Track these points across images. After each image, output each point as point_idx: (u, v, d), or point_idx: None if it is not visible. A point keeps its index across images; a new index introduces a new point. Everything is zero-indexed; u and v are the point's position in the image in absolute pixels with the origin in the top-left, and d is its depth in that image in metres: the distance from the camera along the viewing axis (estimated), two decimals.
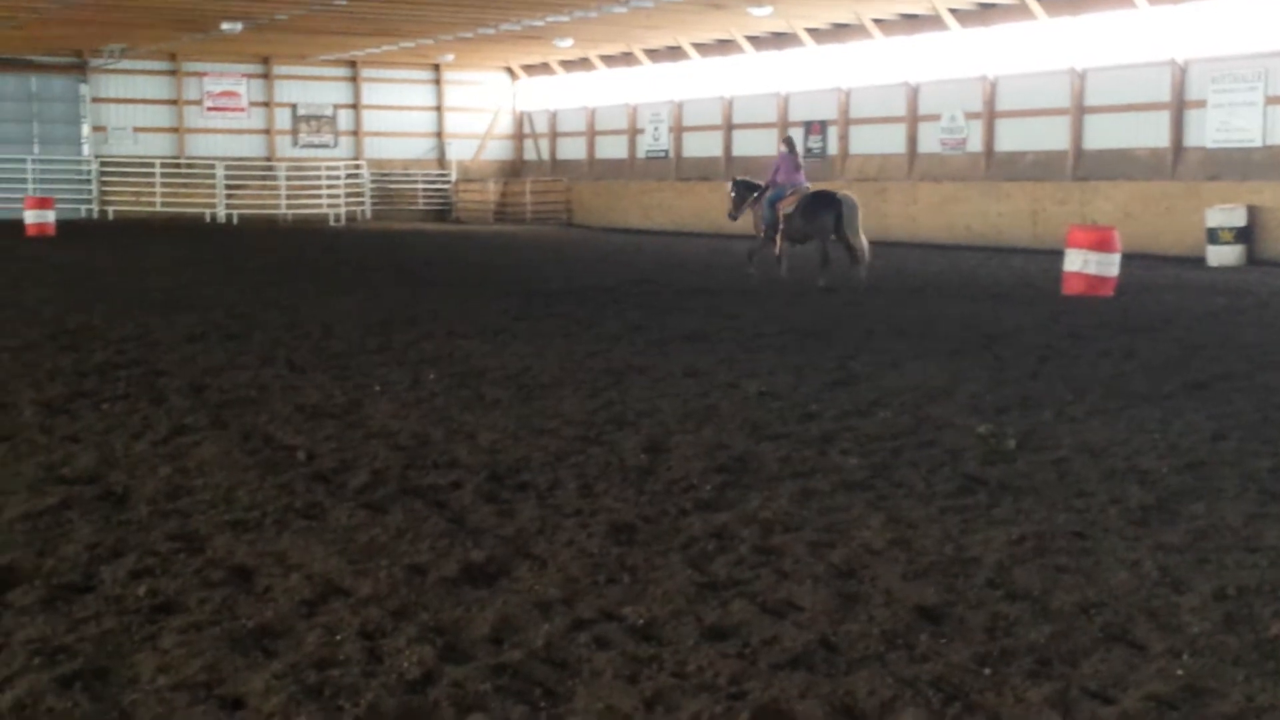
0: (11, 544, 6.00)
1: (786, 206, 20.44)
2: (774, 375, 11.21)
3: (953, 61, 32.95)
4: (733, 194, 22.13)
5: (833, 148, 36.43)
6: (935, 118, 33.54)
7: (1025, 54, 31.56)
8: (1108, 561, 5.90)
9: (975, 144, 32.56)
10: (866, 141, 35.65)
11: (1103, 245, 18.77)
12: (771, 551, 6.04)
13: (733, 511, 6.73)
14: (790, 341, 13.46)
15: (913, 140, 34.17)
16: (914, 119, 34.08)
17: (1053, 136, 30.82)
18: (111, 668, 4.59)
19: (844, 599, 5.36)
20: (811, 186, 21.21)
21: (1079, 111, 30.29)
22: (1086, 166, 30.09)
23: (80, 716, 4.19)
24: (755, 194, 21.59)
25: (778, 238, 20.67)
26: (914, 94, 34.00)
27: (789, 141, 21.71)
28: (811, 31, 35.66)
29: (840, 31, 35.39)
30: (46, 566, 5.68)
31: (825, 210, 19.97)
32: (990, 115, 32.20)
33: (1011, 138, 31.92)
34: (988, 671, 4.61)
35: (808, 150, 36.92)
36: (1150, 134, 28.98)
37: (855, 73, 35.86)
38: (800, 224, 20.22)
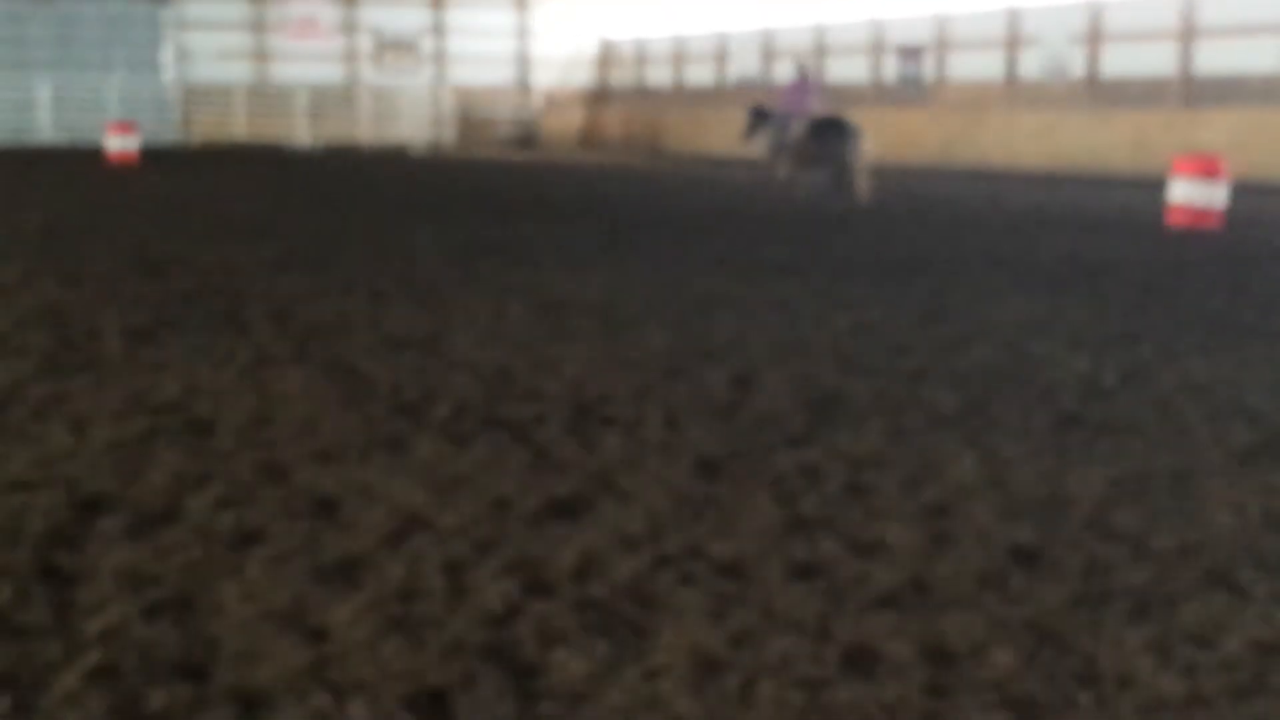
0: (98, 472, 6.04)
1: (795, 131, 21.07)
2: (865, 308, 11.08)
3: None
4: (749, 119, 22.90)
5: (929, 75, 35.90)
6: (1036, 43, 32.91)
7: None
8: (1210, 503, 5.75)
9: (1078, 70, 31.91)
10: (964, 68, 35.12)
11: (1210, 175, 18.35)
12: (861, 489, 5.94)
13: (822, 447, 6.63)
14: (882, 273, 13.30)
15: (1012, 67, 33.56)
16: (1014, 45, 33.47)
17: (1159, 62, 30.14)
18: (197, 597, 4.60)
19: (935, 538, 5.26)
20: (820, 112, 21.73)
21: (1188, 35, 29.53)
22: (1195, 93, 29.39)
23: (166, 645, 4.20)
24: (769, 121, 22.24)
25: (786, 160, 21.34)
26: (1015, 18, 33.36)
27: (802, 68, 22.24)
28: None
29: None
30: (132, 495, 5.71)
31: (833, 135, 20.53)
32: (1094, 40, 31.53)
33: (1116, 63, 31.25)
34: (1084, 614, 4.51)
35: (903, 78, 36.49)
36: (1263, 59, 28.21)
37: None
38: (809, 147, 20.85)
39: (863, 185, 20.71)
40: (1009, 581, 4.81)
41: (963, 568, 4.93)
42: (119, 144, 32.60)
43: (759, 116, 22.86)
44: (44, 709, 3.78)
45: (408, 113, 43.98)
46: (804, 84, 21.78)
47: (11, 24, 40.93)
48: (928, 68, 35.77)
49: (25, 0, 40.92)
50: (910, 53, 36.19)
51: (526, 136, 46.75)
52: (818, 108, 21.87)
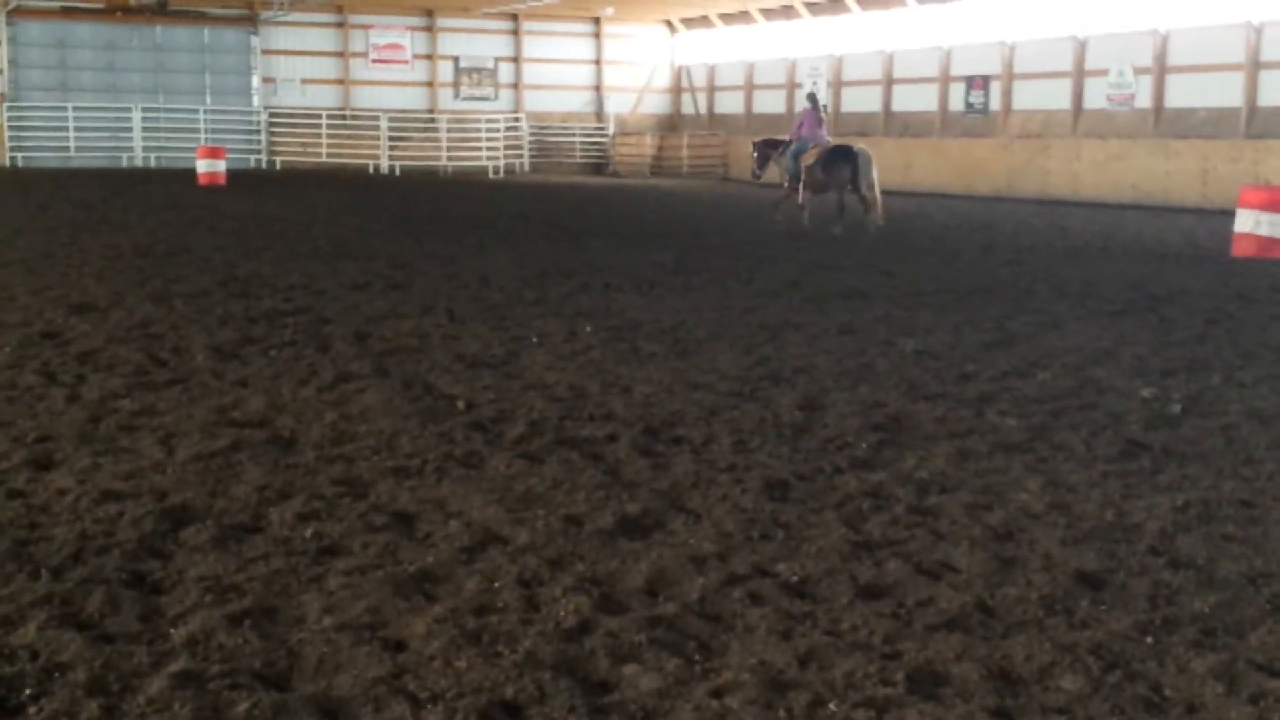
0: (185, 484, 6.20)
1: (808, 159, 21.66)
2: (931, 334, 11.10)
3: (1121, 14, 32.06)
4: (755, 155, 23.75)
5: (995, 103, 35.73)
6: (1102, 73, 32.68)
7: (1198, 6, 30.56)
8: (1276, 531, 5.75)
9: (1144, 100, 31.66)
10: (1030, 97, 34.88)
11: (1276, 206, 18.17)
12: (927, 512, 6.00)
13: (888, 470, 6.69)
14: (948, 300, 13.29)
15: (1078, 96, 33.35)
16: (1080, 74, 33.25)
17: (1226, 93, 29.80)
18: (279, 607, 4.73)
19: (1001, 562, 5.30)
20: (832, 141, 22.49)
21: (1254, 67, 29.23)
22: (1261, 124, 29.07)
23: (249, 653, 4.33)
24: (779, 150, 22.96)
25: (800, 188, 21.89)
26: (1081, 48, 33.16)
27: (812, 98, 22.94)
28: None
29: None
30: (218, 507, 5.87)
31: (842, 163, 21.17)
32: (1160, 70, 31.26)
33: (1182, 94, 30.95)
34: (1150, 640, 4.53)
35: (969, 106, 36.34)
36: None
37: (1020, 26, 35.11)
38: (820, 175, 21.47)
39: (878, 208, 21.29)
40: (1075, 606, 4.84)
41: (1028, 592, 4.96)
42: (208, 167, 33.09)
43: (768, 148, 23.59)
44: (131, 713, 3.91)
45: (485, 138, 44.34)
46: (816, 113, 22.48)
47: (108, 51, 41.80)
48: (994, 96, 35.56)
49: (121, 27, 41.74)
50: (977, 80, 35.99)
51: (599, 161, 47.01)
52: (825, 135, 22.60)
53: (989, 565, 5.25)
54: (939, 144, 36.49)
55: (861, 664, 4.30)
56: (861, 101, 40.18)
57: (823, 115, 22.72)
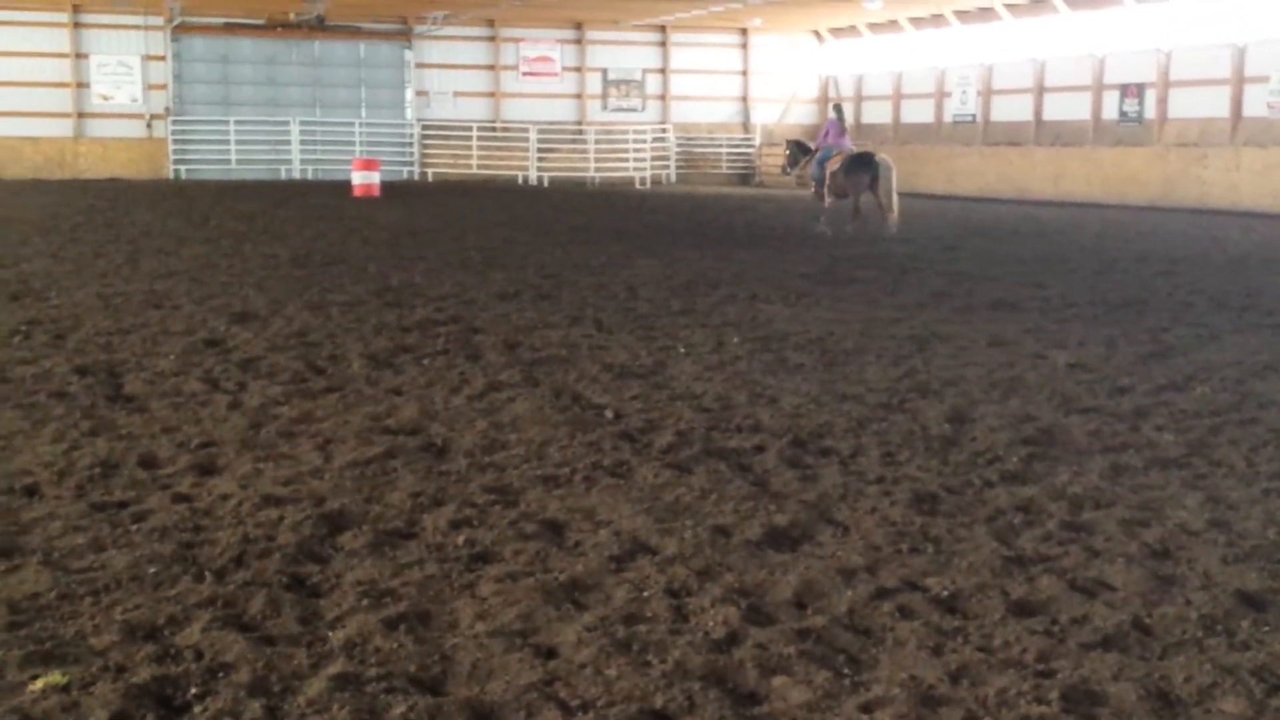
0: (342, 490, 6.34)
1: (832, 165, 23.17)
2: (1084, 346, 10.90)
3: None
4: (787, 151, 25.70)
5: (1150, 112, 34.96)
6: (1263, 80, 31.77)
7: None
8: None
9: None
10: (1186, 105, 34.04)
11: None
12: (1081, 528, 5.90)
13: (1040, 485, 6.60)
14: (1101, 312, 13.04)
15: (1237, 103, 32.46)
16: (1239, 81, 32.37)
17: None
18: (433, 612, 4.81)
19: (1159, 580, 5.19)
20: (855, 149, 23.98)
21: None
22: None
23: (404, 657, 4.41)
24: (808, 155, 24.70)
25: (825, 192, 23.36)
26: (1240, 54, 32.29)
27: (838, 109, 24.72)
28: None
29: None
30: (373, 512, 6.00)
31: (862, 170, 22.59)
32: None
33: None
34: None
35: (1123, 114, 35.62)
36: None
37: (1175, 33, 34.32)
38: (841, 180, 22.89)
39: (894, 213, 22.25)
40: (1236, 627, 4.72)
41: (1187, 611, 4.85)
42: (363, 179, 33.81)
43: (798, 149, 25.19)
44: (292, 713, 4.02)
45: (632, 149, 44.62)
46: (840, 124, 23.96)
47: (268, 66, 42.96)
48: (1149, 104, 34.77)
49: (281, 43, 42.87)
50: (1131, 89, 35.24)
51: (745, 172, 47.01)
52: (849, 144, 23.92)
53: (1146, 583, 5.15)
54: (1092, 153, 35.81)
55: (1014, 681, 4.25)
56: (1012, 110, 39.57)
57: (846, 126, 24.29)
